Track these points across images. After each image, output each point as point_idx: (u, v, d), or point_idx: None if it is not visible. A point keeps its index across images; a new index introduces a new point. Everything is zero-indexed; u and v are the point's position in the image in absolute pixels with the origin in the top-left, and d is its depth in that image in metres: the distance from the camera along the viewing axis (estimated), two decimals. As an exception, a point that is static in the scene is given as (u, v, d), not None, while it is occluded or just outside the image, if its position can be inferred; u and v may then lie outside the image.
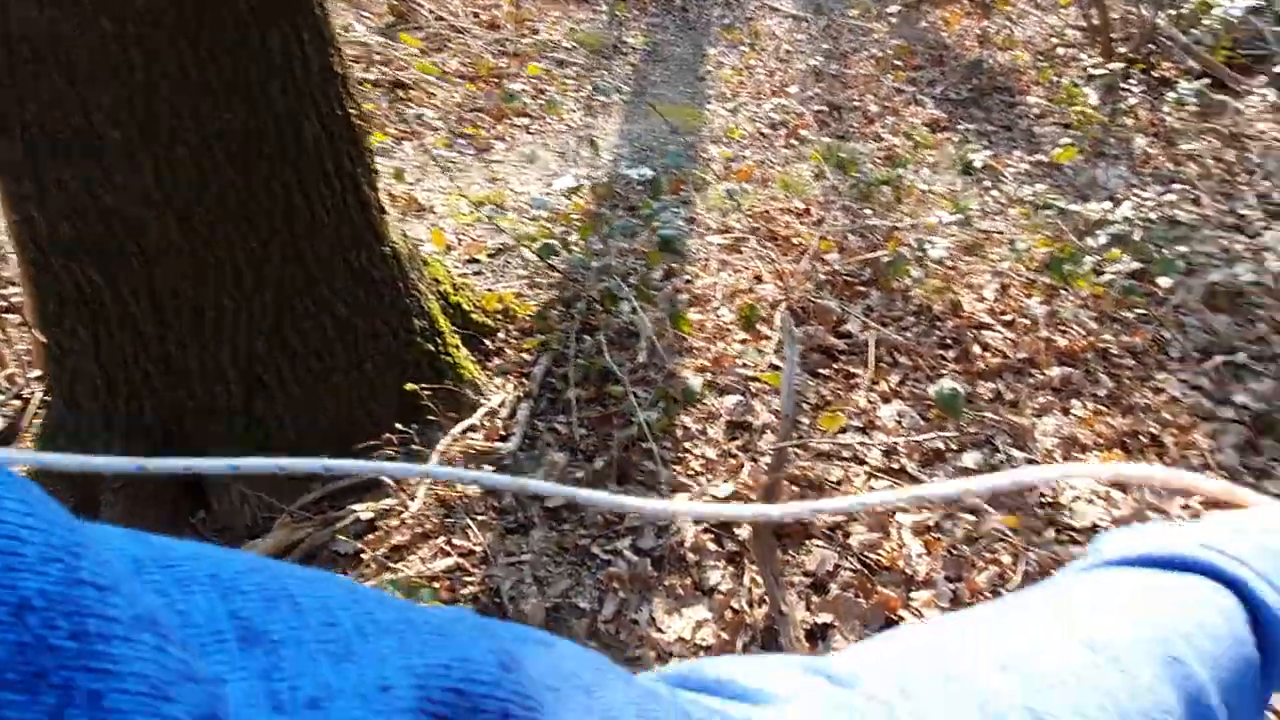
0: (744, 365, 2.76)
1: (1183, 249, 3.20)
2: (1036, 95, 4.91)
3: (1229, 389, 2.76)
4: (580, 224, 3.09)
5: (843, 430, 2.54)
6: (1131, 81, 4.53)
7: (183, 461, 0.65)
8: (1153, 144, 4.22)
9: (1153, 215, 3.33)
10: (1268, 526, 0.51)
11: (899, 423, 2.61)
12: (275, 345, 2.12)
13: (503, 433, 2.40)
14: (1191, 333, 3.00)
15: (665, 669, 0.34)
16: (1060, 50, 5.36)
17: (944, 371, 2.78)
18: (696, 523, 2.26)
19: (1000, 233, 3.51)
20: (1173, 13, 4.82)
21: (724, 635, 2.01)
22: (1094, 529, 2.25)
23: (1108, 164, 4.09)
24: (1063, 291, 3.10)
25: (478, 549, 2.13)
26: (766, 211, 3.61)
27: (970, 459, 2.45)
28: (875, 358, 2.78)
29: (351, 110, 2.17)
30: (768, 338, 2.89)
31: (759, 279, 3.18)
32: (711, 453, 2.49)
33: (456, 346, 2.49)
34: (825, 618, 2.06)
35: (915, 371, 2.81)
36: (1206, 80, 4.41)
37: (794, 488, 2.33)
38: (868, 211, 3.50)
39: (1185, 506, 2.28)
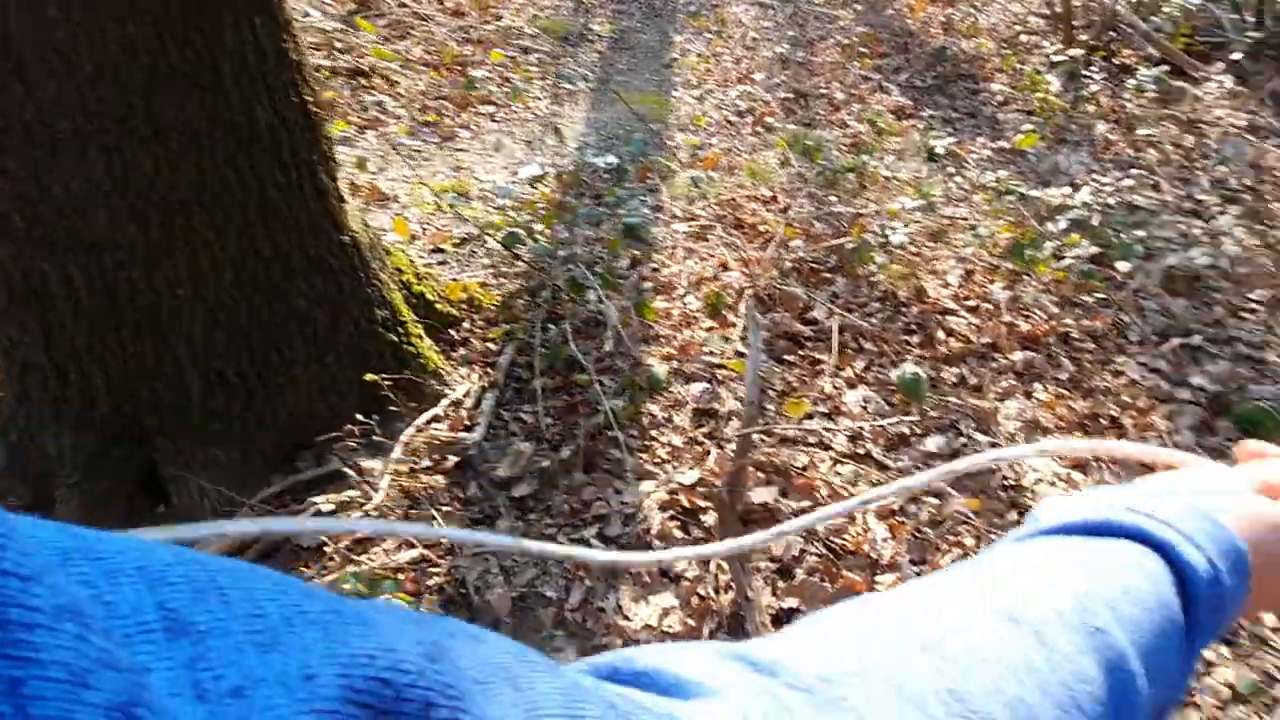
0: (710, 353, 2.76)
1: (1141, 234, 3.25)
2: (1000, 82, 4.95)
3: (1186, 371, 2.80)
4: (545, 213, 3.07)
5: (809, 416, 2.55)
6: (1093, 68, 4.58)
7: (258, 524, 0.62)
8: (1113, 130, 4.27)
9: (1111, 200, 3.37)
10: (1198, 487, 0.51)
11: (864, 408, 2.63)
12: (233, 337, 2.09)
13: (467, 423, 2.39)
14: (1150, 316, 3.04)
15: (594, 659, 0.34)
16: (1023, 37, 5.41)
17: (909, 357, 2.80)
18: (663, 509, 2.26)
19: (964, 219, 3.53)
20: (1133, 0, 4.87)
21: (690, 622, 2.01)
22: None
23: (1070, 150, 4.14)
24: (1025, 277, 3.13)
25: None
26: (733, 199, 3.61)
27: (934, 443, 2.47)
28: (840, 344, 2.79)
29: (308, 98, 2.14)
30: (734, 325, 2.90)
31: (725, 266, 3.18)
32: (678, 440, 2.49)
33: (420, 337, 2.46)
34: (791, 602, 2.07)
35: (880, 357, 2.83)
36: (1165, 67, 4.47)
37: (759, 474, 2.34)
38: (833, 199, 3.51)
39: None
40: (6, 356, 2.09)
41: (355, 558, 1.95)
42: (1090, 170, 3.87)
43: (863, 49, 5.19)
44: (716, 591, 2.08)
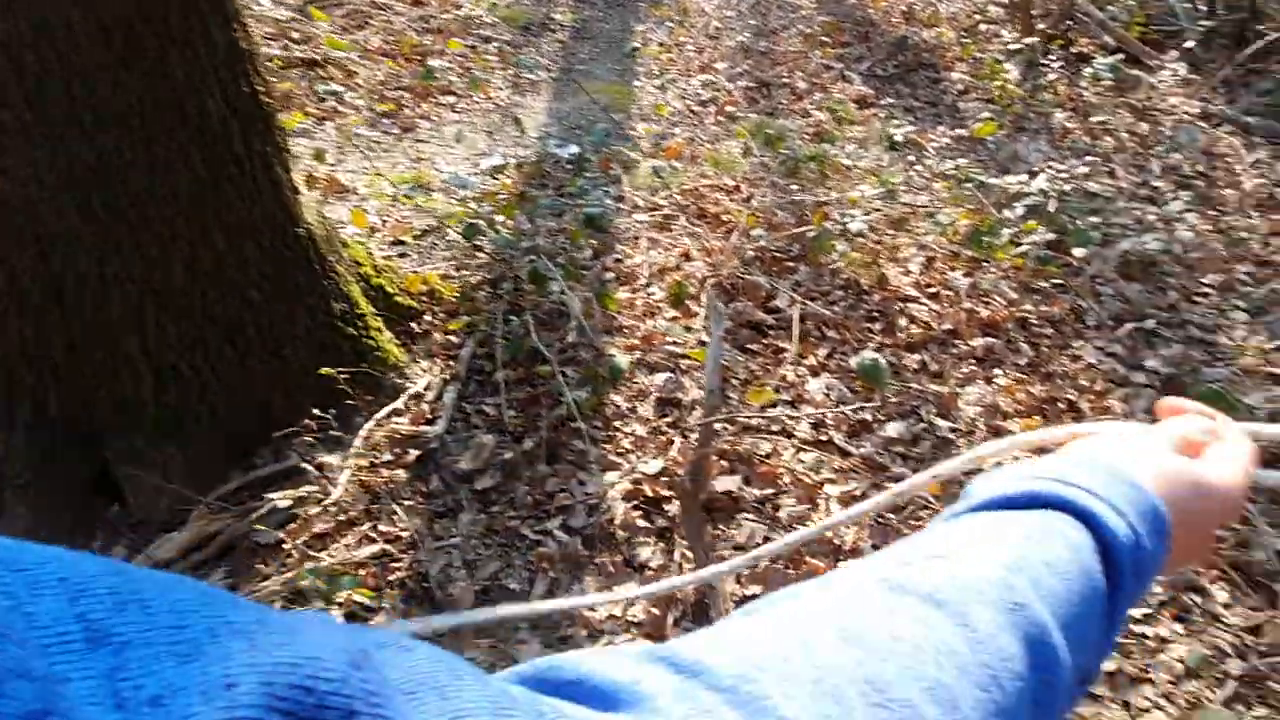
0: (673, 342, 2.76)
1: (1097, 220, 3.29)
2: (960, 71, 4.99)
3: (1141, 355, 2.85)
4: (506, 204, 3.05)
5: (772, 404, 2.56)
6: (1051, 57, 4.63)
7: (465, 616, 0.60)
8: (1071, 118, 4.32)
9: (1067, 187, 3.41)
10: (1121, 448, 0.52)
11: (827, 395, 2.64)
12: (185, 331, 2.05)
13: (429, 416, 2.37)
14: (1107, 301, 3.08)
15: (521, 667, 0.34)
16: (983, 26, 5.45)
17: (871, 344, 2.82)
18: (626, 500, 2.26)
19: (925, 207, 3.56)
20: (1089, -11, 4.93)
21: (654, 611, 2.02)
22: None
23: (1029, 138, 4.18)
24: (985, 264, 3.16)
25: (405, 534, 2.09)
26: (696, 189, 3.61)
27: (894, 429, 2.49)
28: (802, 332, 2.80)
29: (260, 88, 2.10)
30: (697, 314, 2.90)
31: (687, 256, 3.18)
32: (642, 430, 2.49)
33: (379, 330, 2.44)
34: (755, 590, 2.08)
35: (843, 345, 2.84)
36: (1121, 55, 4.53)
37: (723, 463, 2.35)
38: (794, 187, 3.52)
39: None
40: (-50, 355, 2.04)
41: (314, 554, 1.93)
42: (1049, 158, 3.91)
43: (825, 38, 5.21)
44: (681, 580, 2.09)
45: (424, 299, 2.74)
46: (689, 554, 2.11)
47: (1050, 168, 3.62)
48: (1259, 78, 4.51)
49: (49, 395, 2.04)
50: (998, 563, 0.41)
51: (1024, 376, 2.75)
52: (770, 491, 2.31)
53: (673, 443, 2.42)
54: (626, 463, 2.36)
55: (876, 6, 5.79)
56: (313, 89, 4.10)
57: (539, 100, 4.58)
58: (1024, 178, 3.42)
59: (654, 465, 2.34)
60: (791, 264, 3.19)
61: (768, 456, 2.41)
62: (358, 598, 1.86)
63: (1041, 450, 0.61)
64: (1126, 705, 1.86)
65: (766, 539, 2.20)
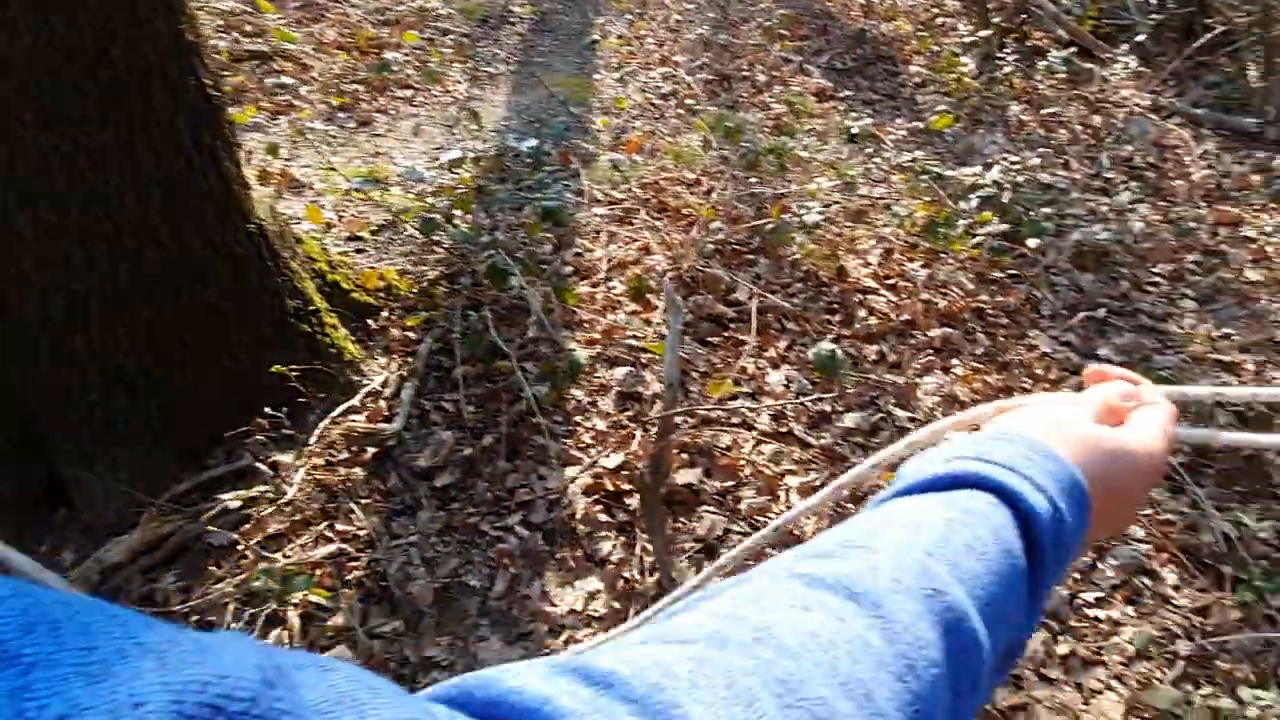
0: (633, 336, 2.76)
1: (1050, 211, 3.34)
2: (918, 64, 5.03)
3: (1094, 343, 2.90)
4: (464, 198, 3.03)
5: (732, 397, 2.57)
6: (1006, 50, 4.68)
7: None
8: (1026, 111, 4.38)
9: (1021, 179, 3.45)
10: (1042, 423, 0.53)
11: (787, 387, 2.65)
12: (134, 331, 2.01)
13: (386, 413, 2.34)
14: (1061, 291, 3.13)
15: (440, 685, 0.33)
16: (940, 20, 5.50)
17: (830, 336, 2.83)
18: (587, 494, 2.26)
19: (883, 199, 3.59)
20: (1043, -17, 4.99)
21: (616, 605, 2.01)
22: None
23: (986, 130, 4.23)
24: (942, 255, 3.19)
25: (362, 533, 2.07)
26: (656, 182, 3.61)
27: (853, 420, 2.51)
28: (762, 324, 2.81)
29: (207, 82, 2.06)
30: (657, 308, 2.90)
31: (647, 250, 3.18)
32: (602, 424, 2.48)
33: (334, 326, 2.40)
34: (716, 582, 2.08)
35: (803, 336, 2.85)
36: (1074, 49, 4.60)
37: (683, 455, 2.35)
38: (754, 180, 3.53)
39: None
40: (-113, 357, 1.98)
41: (269, 554, 1.90)
42: (1004, 150, 3.96)
43: (784, 31, 5.22)
44: (642, 574, 2.09)
45: (381, 295, 2.71)
46: (649, 547, 2.11)
47: (1006, 159, 3.67)
48: (1207, 70, 4.60)
49: (-8, 397, 1.99)
50: (917, 548, 0.42)
51: (981, 366, 2.79)
52: (731, 483, 2.32)
53: (634, 437, 2.42)
54: (587, 457, 2.36)
55: (835, 0, 5.82)
56: (268, 82, 4.04)
57: (498, 93, 4.55)
58: (979, 169, 3.46)
59: (615, 459, 2.33)
60: (752, 257, 3.20)
61: (728, 449, 2.41)
62: (314, 598, 1.84)
63: (975, 428, 0.61)
64: (1079, 687, 1.89)
65: (727, 531, 2.21)
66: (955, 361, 2.80)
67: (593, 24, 5.43)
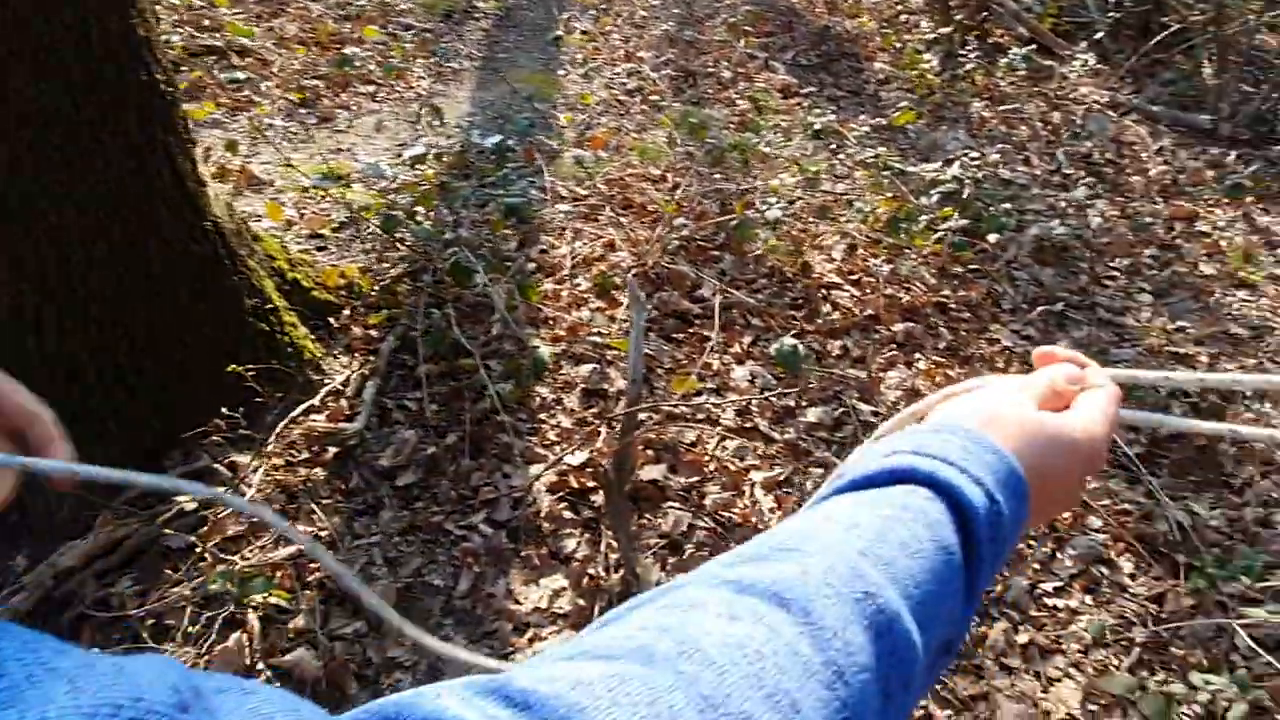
0: (598, 333, 2.75)
1: (1010, 206, 3.38)
2: (881, 61, 5.07)
3: (1054, 337, 2.94)
4: (427, 194, 3.00)
5: (697, 393, 2.57)
6: (968, 48, 4.73)
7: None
8: (988, 107, 4.43)
9: (981, 175, 3.49)
10: (981, 412, 0.53)
11: (751, 382, 2.66)
12: (87, 331, 1.97)
13: (348, 412, 2.32)
14: (1022, 285, 3.17)
15: (361, 710, 0.32)
16: (903, 17, 5.55)
17: (794, 331, 2.85)
18: (552, 491, 2.25)
19: (846, 195, 3.61)
20: (1003, -19, 5.05)
21: (581, 602, 2.01)
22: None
23: (948, 127, 4.27)
24: (905, 250, 3.22)
25: (324, 533, 2.05)
26: (621, 178, 3.60)
27: (817, 414, 2.52)
28: (726, 320, 2.82)
29: (160, 77, 2.02)
30: (621, 305, 2.89)
31: (612, 246, 3.17)
32: (567, 421, 2.48)
33: (294, 325, 2.37)
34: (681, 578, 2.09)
35: (767, 332, 2.87)
36: (1034, 46, 4.66)
37: (648, 452, 2.35)
38: (719, 176, 3.53)
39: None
40: None
41: (227, 557, 1.87)
42: (966, 146, 4.01)
43: (748, 28, 5.24)
44: (607, 571, 2.09)
45: (342, 293, 2.68)
46: (614, 544, 2.11)
47: (966, 155, 3.71)
48: (1163, 68, 4.68)
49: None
50: (850, 549, 0.42)
51: (943, 360, 2.82)
52: (696, 479, 2.32)
53: (599, 433, 2.41)
54: (552, 454, 2.35)
55: (800, -4, 5.85)
56: (226, 78, 3.98)
57: (462, 89, 4.52)
58: (941, 165, 3.49)
59: (579, 456, 2.33)
60: (716, 253, 3.21)
61: (693, 445, 2.42)
62: (274, 600, 1.81)
63: (923, 417, 0.61)
64: (1038, 675, 1.92)
65: (692, 527, 2.21)
66: (918, 355, 2.83)
67: (557, 19, 5.41)
